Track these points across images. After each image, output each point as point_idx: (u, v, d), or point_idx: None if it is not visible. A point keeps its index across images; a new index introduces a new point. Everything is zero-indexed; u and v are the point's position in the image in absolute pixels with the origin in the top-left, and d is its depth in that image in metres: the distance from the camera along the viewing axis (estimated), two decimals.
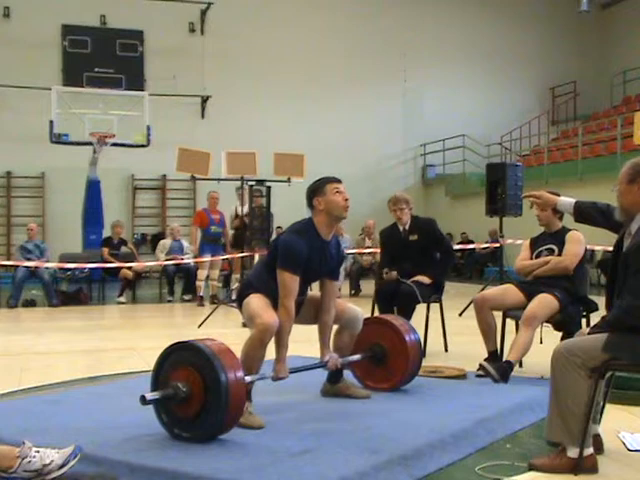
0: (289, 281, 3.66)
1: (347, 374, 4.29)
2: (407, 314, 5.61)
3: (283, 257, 3.70)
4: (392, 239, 6.04)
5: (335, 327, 4.09)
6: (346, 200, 3.81)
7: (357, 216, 16.90)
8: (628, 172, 3.12)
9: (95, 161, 13.76)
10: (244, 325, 7.47)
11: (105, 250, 11.07)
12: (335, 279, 4.00)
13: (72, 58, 16.73)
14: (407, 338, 4.26)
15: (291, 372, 3.78)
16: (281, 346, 3.68)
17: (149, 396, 3.21)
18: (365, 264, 12.02)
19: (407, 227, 5.95)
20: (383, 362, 4.31)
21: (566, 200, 3.78)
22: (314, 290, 4.14)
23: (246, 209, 10.37)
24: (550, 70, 19.87)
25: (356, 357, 4.25)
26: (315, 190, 3.84)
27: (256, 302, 3.71)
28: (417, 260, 5.82)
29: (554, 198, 3.90)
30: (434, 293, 5.87)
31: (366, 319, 4.28)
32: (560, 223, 5.08)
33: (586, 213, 3.61)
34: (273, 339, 3.65)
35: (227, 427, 3.24)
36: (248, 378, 3.45)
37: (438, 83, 19.00)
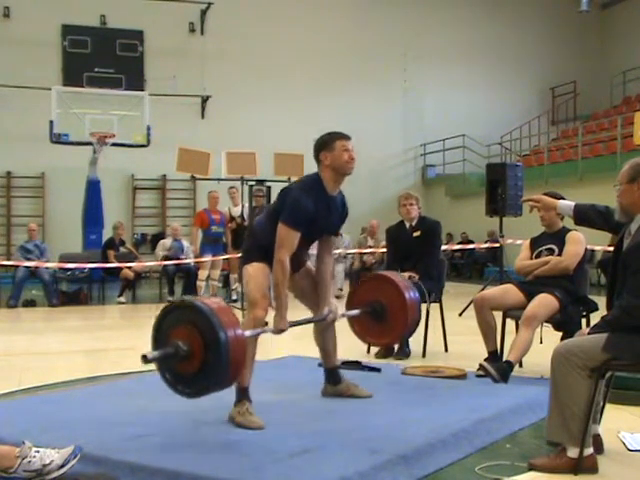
0: (288, 236, 3.63)
1: (348, 373, 4.29)
2: None
3: (289, 212, 3.65)
4: (398, 236, 6.10)
5: (315, 330, 4.07)
6: (352, 159, 3.82)
7: (357, 216, 16.92)
8: (628, 172, 3.12)
9: (95, 161, 13.76)
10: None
11: (111, 253, 11.05)
12: (334, 234, 4.00)
13: (72, 58, 16.73)
14: (407, 295, 4.22)
15: (291, 325, 3.74)
16: (279, 299, 3.64)
17: (150, 355, 3.21)
18: (367, 264, 12.02)
19: (413, 224, 6.04)
20: (382, 318, 4.26)
21: (565, 203, 3.76)
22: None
23: (239, 210, 10.39)
24: (550, 70, 19.87)
25: (355, 312, 4.25)
26: (323, 144, 3.82)
27: (256, 281, 3.68)
28: (419, 257, 5.84)
29: (553, 202, 3.87)
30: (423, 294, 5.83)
31: (367, 276, 4.28)
32: (561, 223, 5.08)
33: (585, 216, 3.59)
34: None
35: (229, 382, 3.23)
36: (248, 333, 3.45)
37: (438, 83, 19.01)
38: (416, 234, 5.97)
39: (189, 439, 3.28)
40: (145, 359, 3.15)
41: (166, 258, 11.07)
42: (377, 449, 3.09)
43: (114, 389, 4.60)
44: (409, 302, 4.21)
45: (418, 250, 5.90)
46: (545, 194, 5.10)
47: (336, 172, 3.80)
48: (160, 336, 3.30)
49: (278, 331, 3.69)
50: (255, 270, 3.72)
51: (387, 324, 4.27)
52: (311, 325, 4.04)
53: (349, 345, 5.85)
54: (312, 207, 3.67)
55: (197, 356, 3.16)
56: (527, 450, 3.30)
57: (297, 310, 3.98)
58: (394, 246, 6.18)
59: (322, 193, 3.77)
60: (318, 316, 3.96)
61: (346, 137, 3.86)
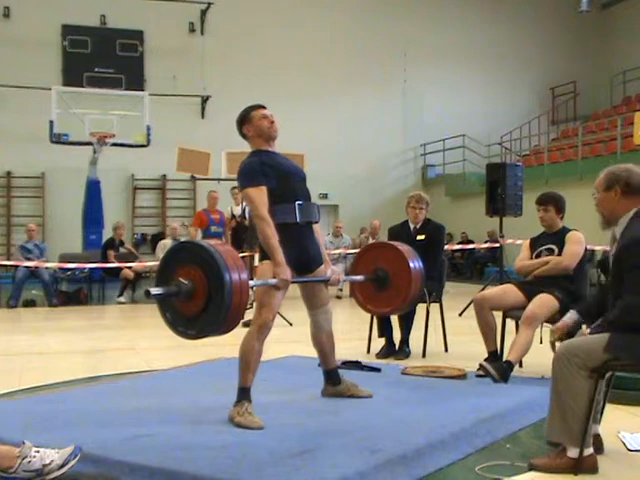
0: (255, 195, 3.71)
1: (348, 373, 4.28)
2: (409, 314, 5.62)
3: (243, 177, 3.78)
4: (400, 235, 6.04)
5: (312, 332, 4.07)
6: (272, 123, 3.97)
7: (357, 216, 17.02)
8: (604, 180, 3.17)
9: (95, 161, 13.77)
10: (244, 325, 7.48)
11: (111, 253, 11.07)
12: (306, 186, 4.02)
13: (72, 58, 16.74)
14: (411, 264, 4.20)
15: (294, 282, 3.72)
16: (274, 251, 3.62)
17: (153, 290, 3.20)
18: None
19: (418, 226, 6.02)
20: (385, 286, 4.25)
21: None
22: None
23: (240, 209, 10.40)
24: (550, 70, 19.88)
25: (359, 277, 4.24)
26: (242, 120, 3.97)
27: (269, 287, 3.68)
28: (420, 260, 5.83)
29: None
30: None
31: (373, 244, 4.26)
32: (561, 223, 5.08)
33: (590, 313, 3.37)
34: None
35: (228, 326, 3.23)
36: (252, 282, 3.45)
37: (438, 83, 19.00)
38: (420, 237, 5.94)
39: (189, 439, 3.27)
40: (148, 294, 3.15)
41: None
42: (377, 449, 3.09)
43: (114, 389, 4.59)
44: (414, 272, 4.18)
45: (420, 253, 5.87)
46: (544, 194, 5.14)
47: (263, 139, 3.94)
48: (165, 274, 3.30)
49: (283, 282, 3.62)
50: (269, 269, 3.71)
51: (389, 293, 4.25)
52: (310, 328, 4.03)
53: (349, 345, 5.88)
54: (260, 160, 3.82)
55: (200, 296, 3.16)
56: (527, 450, 3.30)
57: (298, 310, 3.98)
58: None
59: (265, 153, 3.91)
60: (322, 277, 3.94)
61: (261, 106, 4.02)
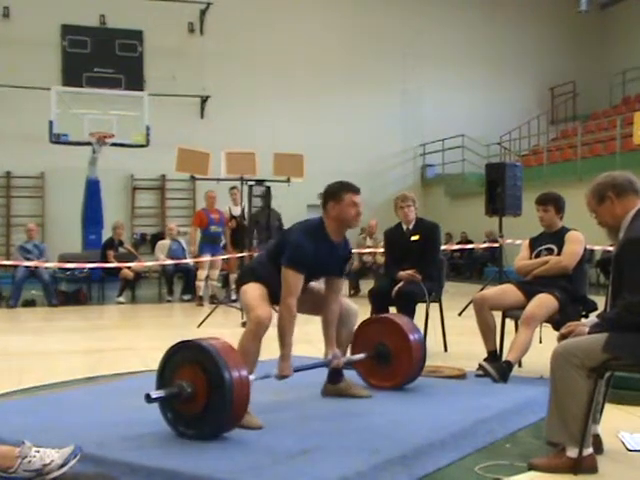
0: (293, 280, 3.66)
1: (349, 373, 4.28)
2: (409, 313, 5.61)
3: (290, 256, 3.69)
4: (395, 238, 6.06)
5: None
6: (359, 215, 3.82)
7: None
8: (594, 196, 3.20)
9: (95, 161, 13.75)
10: (244, 325, 7.49)
11: (110, 253, 11.07)
12: (340, 276, 4.01)
13: (72, 58, 16.73)
14: (411, 337, 4.25)
15: (295, 371, 3.79)
16: (284, 345, 3.68)
17: (154, 394, 3.21)
18: (367, 264, 12.05)
19: (411, 227, 5.99)
20: (387, 361, 4.31)
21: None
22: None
23: (239, 209, 10.41)
24: (549, 70, 19.88)
25: (360, 356, 4.26)
26: (332, 194, 3.83)
27: (252, 293, 3.73)
28: (417, 260, 5.82)
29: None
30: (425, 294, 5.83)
31: (370, 319, 4.29)
32: (560, 223, 5.08)
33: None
34: (278, 338, 3.67)
35: (231, 424, 3.25)
36: (252, 377, 3.46)
37: (437, 83, 19.01)
38: (414, 237, 5.93)
39: (189, 439, 3.28)
40: (149, 398, 3.16)
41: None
42: (377, 449, 3.09)
43: (114, 389, 4.60)
44: (413, 344, 4.23)
45: (417, 253, 5.87)
46: (544, 194, 5.14)
47: (340, 224, 3.82)
48: (165, 375, 3.31)
49: (282, 377, 3.72)
50: (249, 286, 3.79)
51: (391, 367, 4.29)
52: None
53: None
54: (313, 252, 3.70)
55: (201, 397, 3.18)
56: (527, 450, 3.30)
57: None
58: (392, 249, 6.15)
59: (325, 239, 3.80)
60: (322, 361, 4.00)
61: (356, 190, 3.85)
